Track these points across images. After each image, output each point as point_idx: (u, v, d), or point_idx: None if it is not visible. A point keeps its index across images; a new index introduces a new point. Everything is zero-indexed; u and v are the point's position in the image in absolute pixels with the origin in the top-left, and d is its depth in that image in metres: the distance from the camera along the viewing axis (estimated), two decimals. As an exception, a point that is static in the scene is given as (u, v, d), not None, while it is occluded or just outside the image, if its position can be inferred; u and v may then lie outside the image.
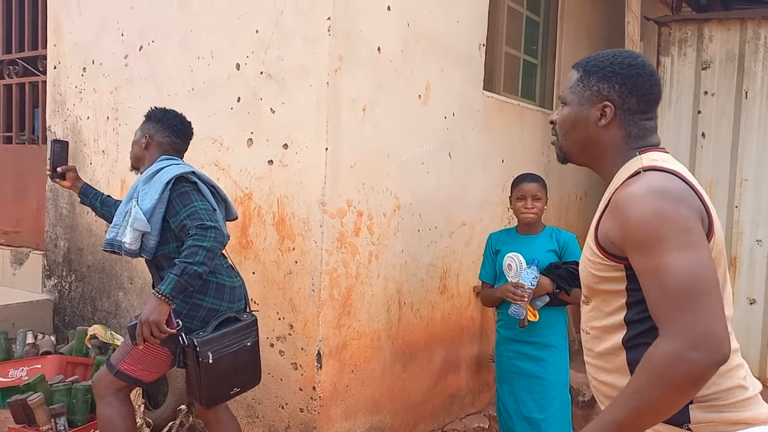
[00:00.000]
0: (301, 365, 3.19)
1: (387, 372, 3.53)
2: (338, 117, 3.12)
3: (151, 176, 2.67)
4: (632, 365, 1.40)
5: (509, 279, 3.12)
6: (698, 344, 1.23)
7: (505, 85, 4.62)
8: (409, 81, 3.54)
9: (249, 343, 2.74)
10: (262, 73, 3.28)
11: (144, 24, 3.81)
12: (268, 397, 3.31)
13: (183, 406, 3.38)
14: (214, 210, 2.70)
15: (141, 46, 3.82)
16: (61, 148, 3.17)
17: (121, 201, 3.09)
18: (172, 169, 2.66)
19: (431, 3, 3.66)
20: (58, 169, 3.10)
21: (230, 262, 2.90)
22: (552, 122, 1.66)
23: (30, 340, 3.95)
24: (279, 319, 3.25)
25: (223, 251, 2.75)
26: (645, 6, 5.11)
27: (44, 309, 4.40)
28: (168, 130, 2.84)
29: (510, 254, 3.14)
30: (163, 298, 2.49)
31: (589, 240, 1.49)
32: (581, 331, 1.60)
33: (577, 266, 2.95)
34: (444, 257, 3.93)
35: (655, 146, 1.53)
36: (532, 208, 3.16)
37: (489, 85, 4.35)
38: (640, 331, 1.40)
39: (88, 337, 3.63)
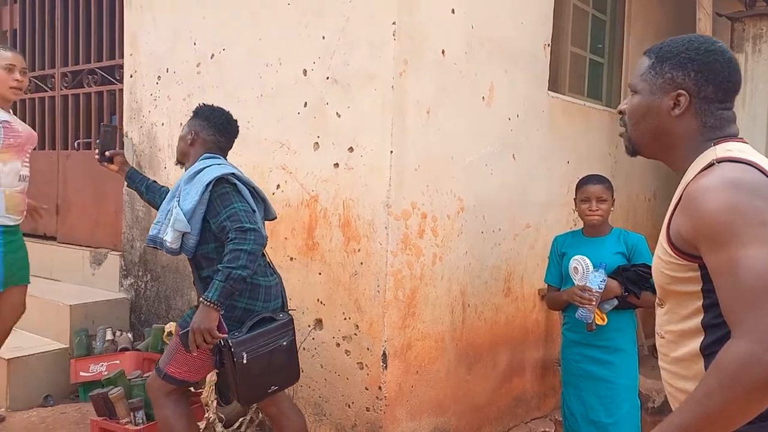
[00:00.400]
0: (366, 365, 3.24)
1: (451, 373, 3.54)
2: (403, 120, 3.16)
3: (193, 176, 2.71)
4: None
5: (575, 282, 3.08)
6: None
7: (570, 85, 4.56)
8: (473, 83, 3.54)
9: (285, 343, 2.73)
10: (328, 78, 3.34)
11: (215, 33, 3.95)
12: (334, 395, 3.38)
13: (253, 403, 3.47)
14: (254, 211, 2.72)
15: (212, 55, 3.96)
16: (110, 133, 3.19)
17: (166, 188, 3.17)
18: (213, 170, 2.68)
19: (496, 5, 3.66)
20: (107, 153, 3.15)
21: (268, 259, 2.92)
22: (620, 112, 1.59)
23: (109, 336, 4.16)
24: (345, 319, 3.31)
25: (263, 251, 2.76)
26: (716, 2, 4.95)
27: (121, 307, 4.60)
28: (213, 128, 2.86)
29: (576, 257, 3.11)
30: (212, 305, 2.51)
31: (662, 238, 1.43)
32: (656, 335, 1.53)
33: (647, 268, 2.92)
34: (508, 259, 3.91)
35: (733, 137, 1.45)
36: (597, 210, 3.11)
37: (554, 85, 4.30)
38: (719, 336, 1.32)
39: (165, 333, 3.79)
